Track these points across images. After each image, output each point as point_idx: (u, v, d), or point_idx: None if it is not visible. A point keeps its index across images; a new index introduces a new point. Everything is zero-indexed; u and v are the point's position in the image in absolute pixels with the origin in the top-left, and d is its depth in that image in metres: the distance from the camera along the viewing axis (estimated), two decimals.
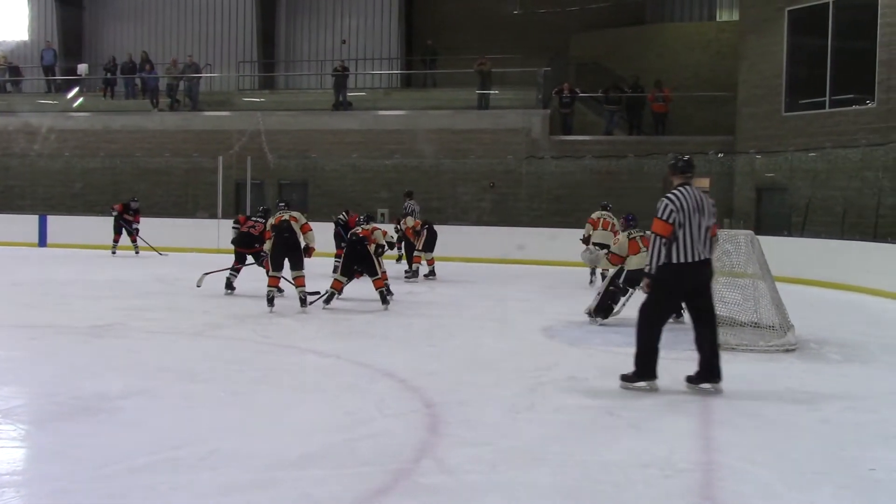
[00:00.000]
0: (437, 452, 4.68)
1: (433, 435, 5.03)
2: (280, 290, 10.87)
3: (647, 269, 6.12)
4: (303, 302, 10.30)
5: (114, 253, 18.29)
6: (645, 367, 6.12)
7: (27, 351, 7.72)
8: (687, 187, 6.04)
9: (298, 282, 10.32)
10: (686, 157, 6.24)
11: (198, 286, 11.73)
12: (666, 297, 6.17)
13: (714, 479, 4.32)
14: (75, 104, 24.69)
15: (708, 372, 6.09)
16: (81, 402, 5.62)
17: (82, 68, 26.27)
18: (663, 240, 5.95)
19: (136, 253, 18.31)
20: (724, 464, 4.55)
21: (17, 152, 23.96)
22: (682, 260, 5.92)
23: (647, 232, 9.87)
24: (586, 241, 13.48)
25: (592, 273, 13.99)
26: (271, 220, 10.57)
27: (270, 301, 10.26)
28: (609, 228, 13.28)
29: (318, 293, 10.76)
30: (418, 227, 14.45)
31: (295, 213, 10.47)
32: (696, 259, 5.93)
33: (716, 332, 6.19)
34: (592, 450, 4.76)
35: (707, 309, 6.16)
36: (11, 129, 24.14)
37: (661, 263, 5.98)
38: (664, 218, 5.95)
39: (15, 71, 26.85)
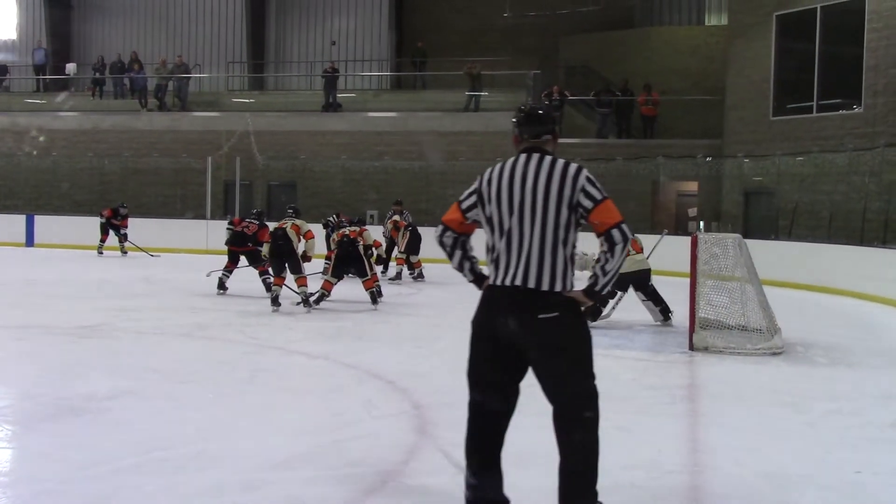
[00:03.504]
0: (425, 454, 4.68)
1: (421, 436, 5.03)
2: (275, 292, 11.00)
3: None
4: (305, 302, 10.39)
5: (100, 253, 18.22)
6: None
7: (13, 351, 7.68)
8: (523, 156, 3.48)
9: (300, 282, 10.49)
10: (530, 107, 3.64)
11: (206, 276, 12.41)
12: (471, 346, 3.59)
13: (700, 481, 4.33)
14: (66, 107, 24.57)
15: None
16: (68, 402, 5.60)
17: (71, 68, 26.18)
18: (448, 235, 3.63)
19: (124, 254, 18.25)
20: (710, 466, 4.57)
21: (5, 152, 23.86)
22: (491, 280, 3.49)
23: (636, 235, 9.98)
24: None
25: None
26: (275, 225, 10.71)
27: (275, 300, 10.34)
28: None
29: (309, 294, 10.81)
30: (402, 228, 14.49)
31: (298, 222, 10.65)
32: (503, 283, 3.41)
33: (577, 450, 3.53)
34: None
35: (552, 391, 3.47)
36: None
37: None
38: (459, 200, 3.63)
39: (3, 70, 26.71)
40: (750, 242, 9.14)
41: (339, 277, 10.91)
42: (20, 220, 21.06)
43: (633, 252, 9.61)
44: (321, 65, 24.45)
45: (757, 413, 5.80)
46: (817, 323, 10.59)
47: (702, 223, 18.66)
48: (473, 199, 3.54)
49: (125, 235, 18.34)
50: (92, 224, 18.67)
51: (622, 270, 9.30)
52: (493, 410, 3.54)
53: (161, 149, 22.81)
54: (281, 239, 10.41)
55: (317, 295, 10.66)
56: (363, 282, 10.86)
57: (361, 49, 26.62)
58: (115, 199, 19.85)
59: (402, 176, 20.86)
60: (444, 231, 3.61)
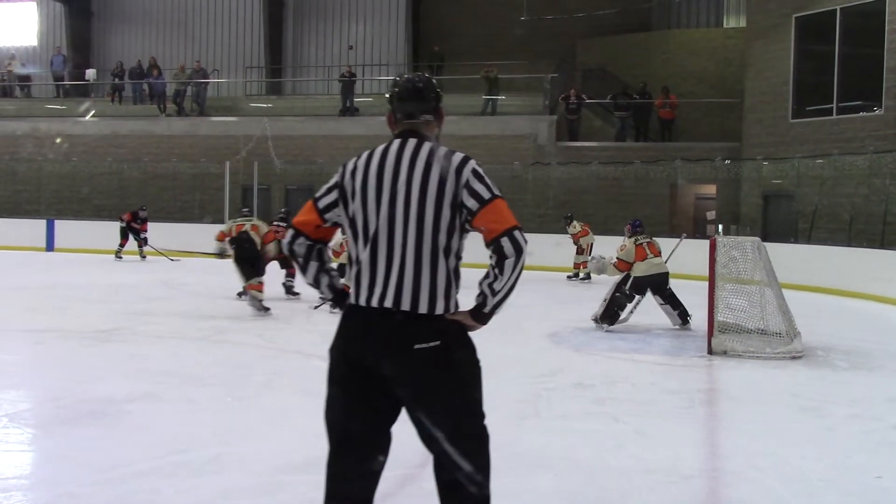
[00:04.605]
0: None
1: None
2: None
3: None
4: (242, 294, 10.42)
5: (119, 257, 18.34)
6: None
7: (33, 355, 7.75)
8: (396, 141, 2.80)
9: (251, 287, 10.14)
10: (406, 79, 2.90)
11: (238, 296, 11.40)
12: (328, 383, 2.83)
13: (719, 486, 4.31)
14: (88, 116, 24.77)
15: None
16: (87, 406, 5.63)
17: (90, 74, 26.39)
18: (301, 242, 2.86)
19: (143, 258, 18.35)
20: (729, 470, 4.54)
21: (26, 157, 24.07)
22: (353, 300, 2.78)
23: (653, 238, 9.94)
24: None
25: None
26: (232, 229, 10.57)
27: (259, 306, 10.07)
28: None
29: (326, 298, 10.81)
30: None
31: (257, 222, 10.59)
32: (368, 303, 2.70)
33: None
34: (597, 456, 4.75)
35: (431, 437, 2.80)
36: (20, 134, 24.26)
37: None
38: (314, 198, 2.89)
39: (24, 76, 26.97)
40: (769, 245, 9.08)
41: None
42: (41, 224, 21.22)
43: (652, 255, 9.57)
44: (338, 69, 24.54)
45: (776, 417, 5.76)
46: (837, 327, 10.50)
47: (720, 226, 18.57)
48: (334, 195, 2.80)
49: (145, 239, 18.45)
50: (112, 228, 18.81)
51: (638, 274, 9.44)
52: (358, 466, 2.78)
53: (179, 153, 22.95)
54: (247, 242, 10.30)
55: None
56: None
57: (378, 53, 26.70)
58: (135, 203, 19.96)
59: None
60: (294, 237, 2.84)
